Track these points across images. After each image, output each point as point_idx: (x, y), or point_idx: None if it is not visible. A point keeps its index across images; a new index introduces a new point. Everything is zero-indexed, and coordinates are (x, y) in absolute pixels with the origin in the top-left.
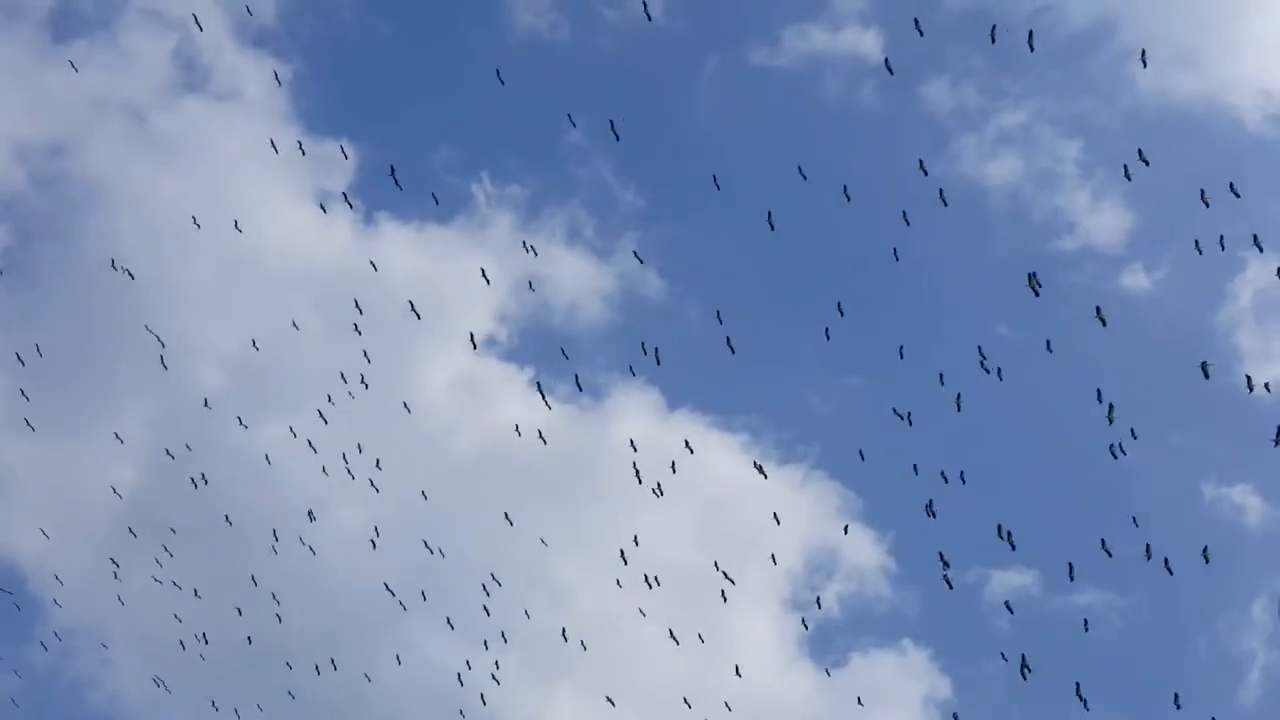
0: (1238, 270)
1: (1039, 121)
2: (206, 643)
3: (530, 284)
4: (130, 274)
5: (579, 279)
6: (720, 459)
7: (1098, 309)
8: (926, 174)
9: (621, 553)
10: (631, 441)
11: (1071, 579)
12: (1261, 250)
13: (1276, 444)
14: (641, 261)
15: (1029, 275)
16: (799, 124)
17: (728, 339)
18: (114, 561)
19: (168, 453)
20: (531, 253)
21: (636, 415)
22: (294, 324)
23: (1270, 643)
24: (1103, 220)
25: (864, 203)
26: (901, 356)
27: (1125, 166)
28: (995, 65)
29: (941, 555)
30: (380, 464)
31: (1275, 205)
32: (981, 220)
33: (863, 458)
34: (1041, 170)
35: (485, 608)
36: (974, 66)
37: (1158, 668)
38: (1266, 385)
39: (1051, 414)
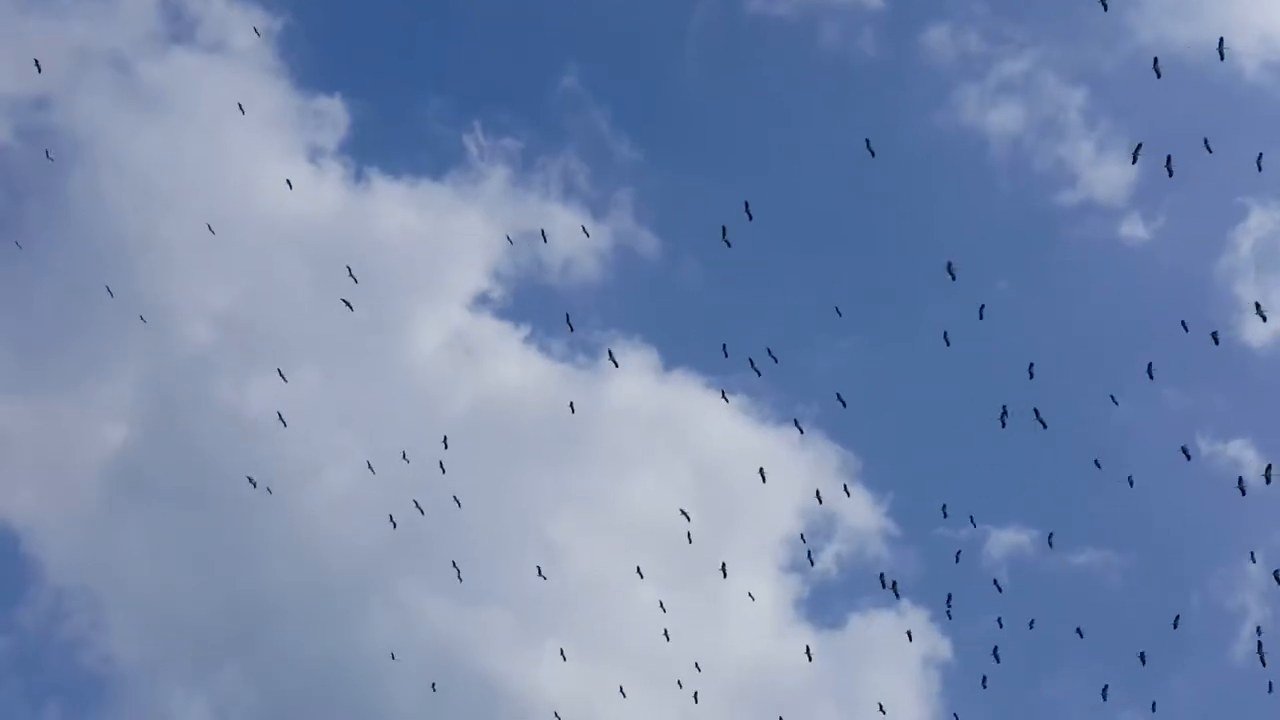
0: (1238, 219)
1: (1042, 69)
2: (197, 602)
3: (525, 239)
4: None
5: (574, 235)
6: (717, 419)
7: None
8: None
9: (616, 513)
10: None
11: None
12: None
13: None
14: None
15: None
16: (797, 74)
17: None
18: (105, 522)
19: (157, 412)
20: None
21: (633, 375)
22: (284, 282)
23: (1264, 598)
24: (1105, 172)
25: (864, 155)
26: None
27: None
28: (997, 11)
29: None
30: (372, 422)
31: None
32: (983, 172)
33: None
34: (1044, 119)
35: (477, 567)
36: (976, 13)
37: (1154, 624)
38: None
39: (1050, 368)
